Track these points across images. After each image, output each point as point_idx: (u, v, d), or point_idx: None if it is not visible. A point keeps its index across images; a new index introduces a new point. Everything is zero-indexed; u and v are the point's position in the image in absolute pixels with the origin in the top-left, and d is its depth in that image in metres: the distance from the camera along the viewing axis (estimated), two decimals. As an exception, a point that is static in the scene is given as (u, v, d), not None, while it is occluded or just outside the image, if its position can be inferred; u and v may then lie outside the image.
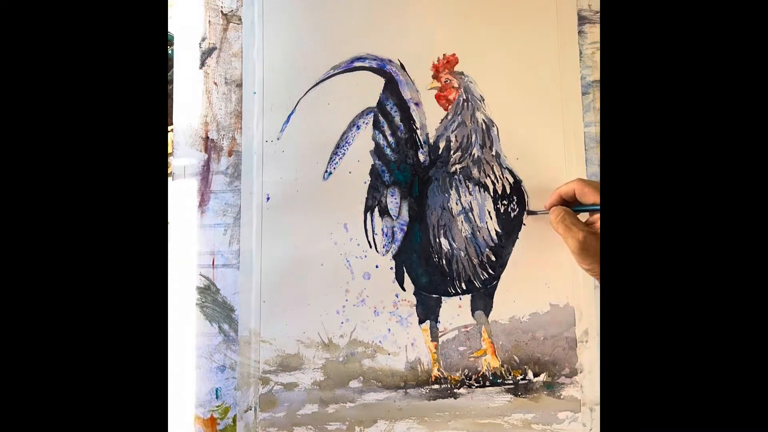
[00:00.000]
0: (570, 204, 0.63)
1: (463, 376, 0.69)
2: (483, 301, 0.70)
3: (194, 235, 0.70)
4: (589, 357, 0.70)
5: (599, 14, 0.74)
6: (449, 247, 0.70)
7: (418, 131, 0.72)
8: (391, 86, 0.72)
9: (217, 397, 0.68)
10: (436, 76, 0.72)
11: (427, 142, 0.72)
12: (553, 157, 0.72)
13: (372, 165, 0.71)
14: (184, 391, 0.68)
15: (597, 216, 0.61)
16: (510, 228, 0.70)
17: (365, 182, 0.71)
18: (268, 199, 0.70)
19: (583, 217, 0.63)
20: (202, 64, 0.72)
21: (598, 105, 0.72)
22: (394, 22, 0.73)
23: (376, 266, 0.70)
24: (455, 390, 0.69)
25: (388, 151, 0.71)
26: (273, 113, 0.71)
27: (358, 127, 0.71)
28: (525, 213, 0.70)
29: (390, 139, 0.71)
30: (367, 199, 0.71)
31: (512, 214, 0.70)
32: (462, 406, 0.69)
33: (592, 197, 0.59)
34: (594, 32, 0.74)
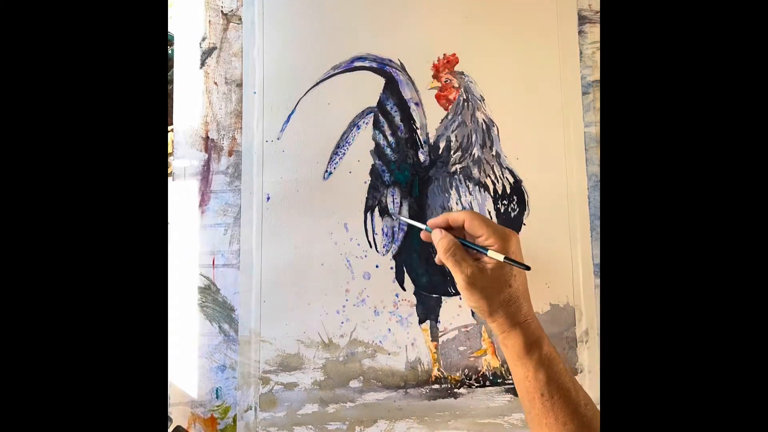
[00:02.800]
0: (455, 232, 0.56)
1: (463, 376, 0.69)
2: (483, 301, 0.70)
3: (194, 235, 0.70)
4: (589, 357, 0.70)
5: (599, 14, 0.74)
6: (449, 247, 0.70)
7: (419, 131, 0.72)
8: (392, 86, 0.72)
9: (217, 397, 0.68)
10: (436, 76, 0.72)
11: (427, 142, 0.72)
12: (553, 157, 0.72)
13: (372, 165, 0.71)
14: (185, 390, 0.68)
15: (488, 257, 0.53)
16: (510, 228, 0.70)
17: (365, 182, 0.71)
18: (268, 198, 0.70)
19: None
20: (202, 64, 0.72)
21: (598, 105, 0.72)
22: (394, 22, 0.73)
23: (377, 266, 0.70)
24: (455, 390, 0.69)
25: (388, 151, 0.71)
26: (273, 113, 0.71)
27: (359, 127, 0.71)
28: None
29: (390, 139, 0.71)
30: (367, 199, 0.71)
31: (512, 214, 0.70)
32: (462, 406, 0.69)
33: (480, 231, 0.53)
34: (594, 32, 0.74)
